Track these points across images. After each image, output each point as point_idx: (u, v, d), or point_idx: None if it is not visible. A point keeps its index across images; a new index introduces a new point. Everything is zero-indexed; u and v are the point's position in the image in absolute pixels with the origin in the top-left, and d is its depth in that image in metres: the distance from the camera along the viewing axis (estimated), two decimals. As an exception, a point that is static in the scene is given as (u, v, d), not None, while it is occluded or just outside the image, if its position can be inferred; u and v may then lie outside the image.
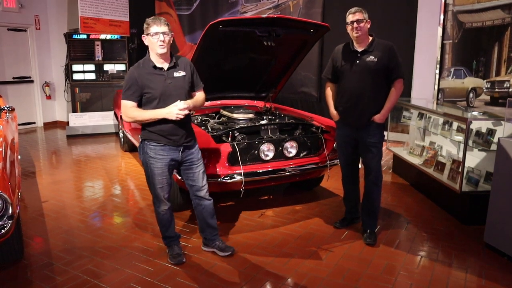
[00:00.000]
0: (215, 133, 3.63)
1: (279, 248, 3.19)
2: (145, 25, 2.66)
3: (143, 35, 2.70)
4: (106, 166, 5.58)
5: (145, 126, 2.76)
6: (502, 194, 3.02)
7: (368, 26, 3.08)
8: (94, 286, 2.66)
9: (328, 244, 3.25)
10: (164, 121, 2.69)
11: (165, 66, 2.72)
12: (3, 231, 2.39)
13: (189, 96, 2.82)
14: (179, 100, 2.65)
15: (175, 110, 2.61)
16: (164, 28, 2.62)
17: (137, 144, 5.17)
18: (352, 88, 3.15)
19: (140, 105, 2.73)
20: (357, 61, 3.11)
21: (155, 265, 2.92)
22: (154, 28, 2.61)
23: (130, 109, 2.67)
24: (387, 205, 4.10)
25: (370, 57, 3.07)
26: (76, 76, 7.84)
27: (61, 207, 4.03)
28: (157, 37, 2.60)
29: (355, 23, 3.02)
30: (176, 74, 2.74)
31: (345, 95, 3.22)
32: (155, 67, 2.70)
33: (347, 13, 3.09)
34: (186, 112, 2.66)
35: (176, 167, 2.91)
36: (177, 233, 3.11)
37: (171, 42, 2.70)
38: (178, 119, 2.64)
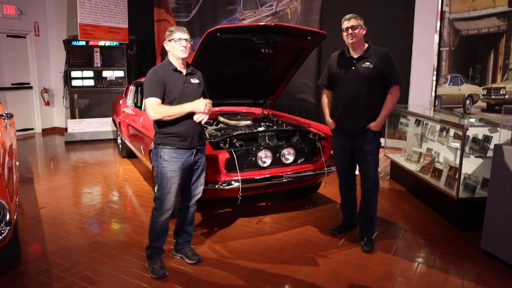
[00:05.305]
0: (213, 140, 3.64)
1: (276, 255, 3.19)
2: (167, 32, 2.82)
3: (165, 41, 2.84)
4: (104, 173, 5.58)
5: (160, 130, 2.80)
6: (498, 200, 3.04)
7: (364, 32, 3.10)
8: (91, 293, 2.66)
9: (326, 251, 3.25)
10: (179, 124, 2.76)
11: (184, 71, 2.85)
12: (0, 237, 2.39)
13: None
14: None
15: (203, 101, 2.72)
16: (187, 36, 2.80)
17: (135, 150, 5.19)
18: (347, 95, 3.16)
19: None
20: (353, 68, 3.13)
21: (153, 272, 2.92)
22: (178, 35, 2.76)
23: (157, 106, 2.72)
24: (385, 211, 4.11)
25: (366, 63, 3.09)
26: (74, 83, 7.86)
27: (59, 214, 4.03)
28: (180, 42, 2.75)
29: (349, 29, 3.05)
30: (192, 80, 2.87)
31: (340, 102, 3.23)
32: (175, 69, 2.81)
33: (343, 20, 3.12)
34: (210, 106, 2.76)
35: (187, 173, 2.90)
36: (163, 248, 3.00)
37: (190, 49, 2.84)
38: (205, 112, 2.71)
